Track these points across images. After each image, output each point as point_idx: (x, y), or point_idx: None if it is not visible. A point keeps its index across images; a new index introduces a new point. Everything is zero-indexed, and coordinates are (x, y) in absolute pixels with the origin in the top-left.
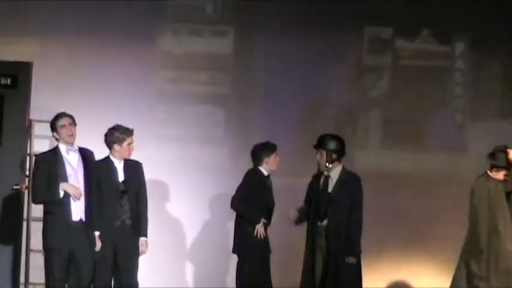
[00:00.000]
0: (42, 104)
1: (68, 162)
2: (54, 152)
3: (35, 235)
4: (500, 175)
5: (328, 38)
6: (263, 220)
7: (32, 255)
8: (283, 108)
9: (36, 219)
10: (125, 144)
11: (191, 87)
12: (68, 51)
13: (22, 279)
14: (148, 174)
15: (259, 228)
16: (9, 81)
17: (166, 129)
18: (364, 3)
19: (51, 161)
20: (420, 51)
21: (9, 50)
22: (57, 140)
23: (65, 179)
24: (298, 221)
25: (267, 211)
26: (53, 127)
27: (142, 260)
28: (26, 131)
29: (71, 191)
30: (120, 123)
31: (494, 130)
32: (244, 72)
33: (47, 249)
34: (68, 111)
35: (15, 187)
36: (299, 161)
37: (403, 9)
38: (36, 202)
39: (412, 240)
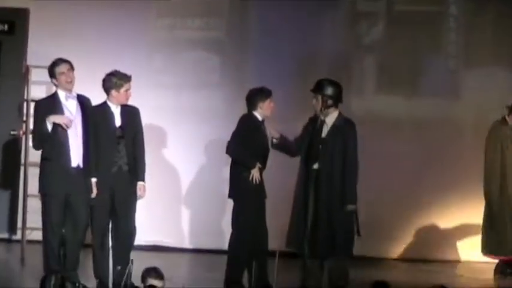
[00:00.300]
0: (39, 49)
1: (67, 109)
2: (53, 98)
3: (32, 180)
4: None
5: None
6: (258, 165)
7: (29, 200)
8: (278, 54)
9: (33, 165)
10: (122, 90)
11: (187, 33)
12: None
13: (19, 224)
14: (146, 120)
15: (255, 173)
16: (6, 27)
17: (163, 75)
18: None
19: (50, 107)
20: None
21: None
22: (56, 86)
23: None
24: (278, 142)
25: (262, 156)
26: (52, 73)
27: (139, 205)
28: (23, 77)
29: (59, 120)
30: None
31: (487, 76)
32: (239, 18)
33: (44, 194)
34: (61, 57)
35: (12, 132)
36: (294, 107)
37: None
38: (35, 147)
39: (408, 183)
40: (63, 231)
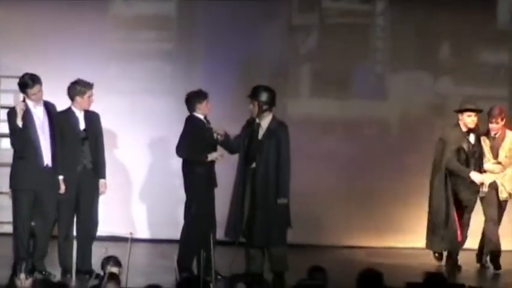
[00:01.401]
0: (7, 61)
1: (36, 115)
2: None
3: (2, 179)
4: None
5: (261, 0)
6: (209, 155)
7: (0, 198)
8: (223, 61)
9: (4, 165)
10: (85, 96)
11: (140, 45)
12: (28, 15)
13: None
14: (104, 124)
15: (214, 156)
16: None
17: (119, 82)
18: None
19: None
20: (345, 10)
21: None
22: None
23: (34, 130)
24: (223, 140)
25: (212, 148)
26: (23, 91)
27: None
28: None
29: (19, 110)
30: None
31: (411, 80)
32: (188, 30)
33: (15, 190)
34: (30, 69)
35: None
36: (239, 108)
37: None
38: (14, 145)
39: (341, 177)
40: (33, 224)
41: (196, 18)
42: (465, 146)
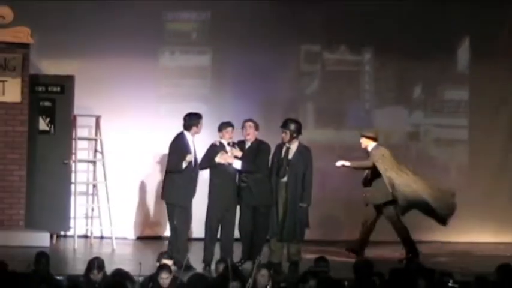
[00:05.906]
0: (82, 103)
1: (192, 147)
2: (184, 139)
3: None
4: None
5: (277, 52)
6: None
7: (78, 208)
8: (247, 101)
9: (79, 183)
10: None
11: (183, 90)
12: (97, 67)
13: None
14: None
15: (223, 158)
16: (59, 89)
17: (167, 119)
18: (304, 27)
19: (185, 142)
20: (340, 60)
21: (57, 67)
22: (187, 130)
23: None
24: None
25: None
26: (198, 123)
27: None
28: (71, 123)
29: (187, 157)
30: (136, 118)
31: (391, 113)
32: (219, 78)
33: (173, 205)
34: (99, 109)
35: (65, 162)
36: (259, 136)
37: (327, 31)
38: (174, 171)
39: (339, 187)
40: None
41: (225, 68)
42: None
